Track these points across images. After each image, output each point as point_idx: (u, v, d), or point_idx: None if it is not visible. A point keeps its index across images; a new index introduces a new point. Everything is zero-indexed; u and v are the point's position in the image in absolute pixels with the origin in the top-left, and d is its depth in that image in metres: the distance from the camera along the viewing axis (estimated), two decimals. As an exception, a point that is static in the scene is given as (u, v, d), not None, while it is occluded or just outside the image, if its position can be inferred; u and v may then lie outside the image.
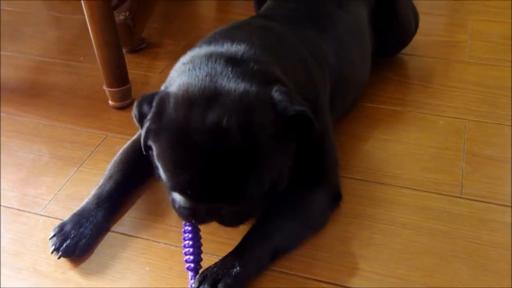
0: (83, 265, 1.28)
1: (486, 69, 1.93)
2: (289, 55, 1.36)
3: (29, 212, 1.43)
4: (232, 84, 1.10)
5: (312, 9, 1.59)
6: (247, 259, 1.19)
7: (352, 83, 1.65)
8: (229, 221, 1.21)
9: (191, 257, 1.20)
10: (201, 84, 1.11)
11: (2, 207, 1.45)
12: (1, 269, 1.29)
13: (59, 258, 1.27)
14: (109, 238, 1.35)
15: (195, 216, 1.18)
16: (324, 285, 1.21)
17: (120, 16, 2.00)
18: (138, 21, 2.12)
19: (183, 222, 1.23)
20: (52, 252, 1.28)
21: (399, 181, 1.46)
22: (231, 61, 1.16)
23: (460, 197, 1.40)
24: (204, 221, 1.20)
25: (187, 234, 1.22)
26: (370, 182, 1.47)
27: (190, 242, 1.21)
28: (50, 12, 2.56)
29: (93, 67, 1.96)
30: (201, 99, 1.09)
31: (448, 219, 1.35)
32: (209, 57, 1.17)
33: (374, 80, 1.84)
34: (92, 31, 1.68)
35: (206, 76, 1.12)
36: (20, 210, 1.44)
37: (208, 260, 1.21)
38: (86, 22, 1.67)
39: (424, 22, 2.03)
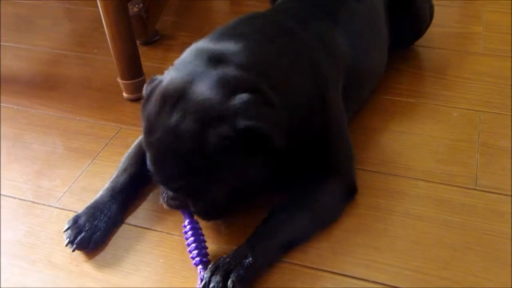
0: (97, 257, 1.29)
1: (500, 60, 1.91)
2: (291, 51, 1.34)
3: (44, 204, 1.44)
4: (202, 88, 1.13)
5: (328, 1, 1.58)
6: (260, 250, 1.19)
7: (368, 75, 1.64)
8: (195, 213, 1.28)
9: (195, 252, 1.21)
10: (179, 82, 1.16)
11: (17, 200, 1.46)
12: (16, 261, 1.30)
13: (73, 250, 1.28)
14: (123, 230, 1.36)
15: (165, 197, 1.27)
16: (338, 277, 1.21)
17: (134, 8, 2.00)
18: (152, 13, 2.13)
19: (183, 224, 1.27)
20: (66, 245, 1.29)
21: (413, 173, 1.46)
22: (215, 61, 1.18)
23: (475, 189, 1.40)
24: (170, 204, 1.28)
25: (188, 233, 1.24)
26: (384, 174, 1.46)
27: (192, 238, 1.23)
28: (64, 5, 2.56)
29: (107, 60, 1.97)
30: (172, 98, 1.14)
31: (462, 211, 1.34)
32: (200, 54, 1.22)
33: (388, 71, 1.82)
34: (106, 24, 1.68)
35: (188, 74, 1.17)
36: (34, 202, 1.45)
37: (222, 251, 1.23)
38: (100, 14, 1.67)
39: (439, 14, 2.02)
